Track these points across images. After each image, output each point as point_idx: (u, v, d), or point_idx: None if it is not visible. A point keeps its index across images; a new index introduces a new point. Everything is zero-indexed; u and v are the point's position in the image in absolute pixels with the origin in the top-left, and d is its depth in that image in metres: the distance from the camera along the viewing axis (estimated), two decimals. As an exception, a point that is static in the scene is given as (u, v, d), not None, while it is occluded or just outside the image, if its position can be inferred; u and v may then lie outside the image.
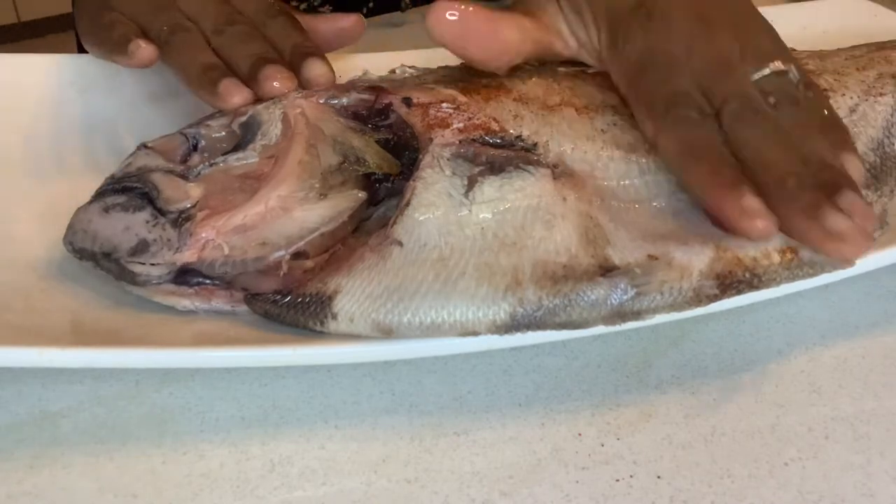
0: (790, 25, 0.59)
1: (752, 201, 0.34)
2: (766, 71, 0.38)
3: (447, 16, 0.40)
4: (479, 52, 0.41)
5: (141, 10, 0.47)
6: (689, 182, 0.37)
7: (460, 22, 0.40)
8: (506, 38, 0.42)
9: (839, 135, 0.38)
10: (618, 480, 0.34)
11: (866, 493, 0.34)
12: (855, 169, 0.37)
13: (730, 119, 0.37)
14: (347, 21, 0.50)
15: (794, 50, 0.51)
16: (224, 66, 0.44)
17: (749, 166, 0.36)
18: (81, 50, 0.66)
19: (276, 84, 0.43)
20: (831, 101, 0.46)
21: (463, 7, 0.40)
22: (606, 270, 0.35)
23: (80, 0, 0.51)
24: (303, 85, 0.44)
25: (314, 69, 0.44)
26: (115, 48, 0.46)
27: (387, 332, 0.35)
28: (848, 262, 0.35)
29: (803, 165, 0.36)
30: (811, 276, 0.37)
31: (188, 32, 0.46)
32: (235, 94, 0.42)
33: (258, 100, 0.43)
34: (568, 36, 0.43)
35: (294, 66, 0.44)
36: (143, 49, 0.44)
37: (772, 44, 0.40)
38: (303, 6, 0.73)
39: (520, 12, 0.43)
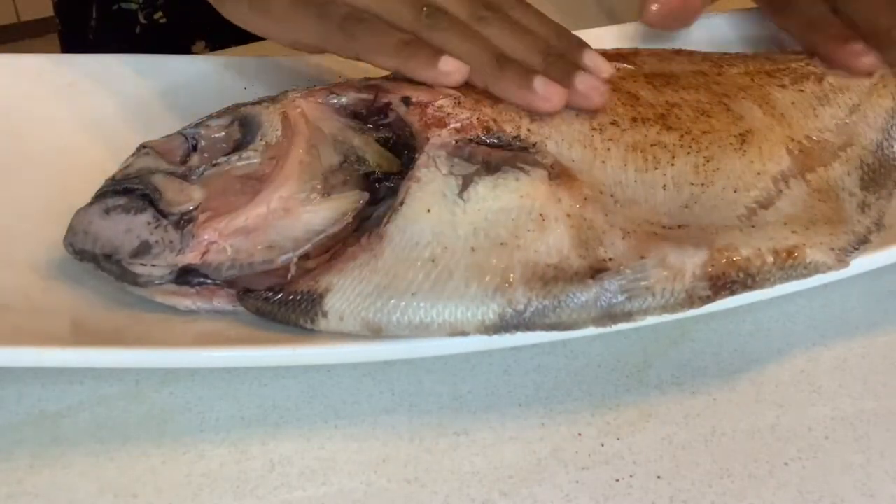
0: (790, 25, 0.59)
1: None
2: None
3: (653, 7, 0.51)
4: (680, 25, 0.53)
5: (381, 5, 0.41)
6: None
7: (662, 9, 0.51)
8: (696, 7, 0.52)
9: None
10: (618, 480, 0.34)
11: (866, 493, 0.34)
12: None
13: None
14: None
15: (794, 51, 0.52)
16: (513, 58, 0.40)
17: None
18: (70, 50, 0.64)
19: (595, 100, 0.40)
20: (832, 101, 0.46)
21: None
22: (597, 272, 0.35)
23: None
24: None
25: (600, 65, 0.42)
26: (413, 58, 0.40)
27: (376, 331, 0.35)
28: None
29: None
30: (805, 276, 0.37)
31: (447, 14, 0.40)
32: (556, 98, 0.39)
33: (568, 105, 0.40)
34: None
35: (574, 60, 0.41)
36: (459, 70, 0.40)
37: None
38: None
39: None
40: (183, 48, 0.72)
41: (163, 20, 0.72)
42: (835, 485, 0.34)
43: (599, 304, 0.35)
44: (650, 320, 0.35)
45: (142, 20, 0.71)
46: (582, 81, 0.40)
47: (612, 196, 0.39)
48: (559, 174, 0.38)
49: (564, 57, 0.41)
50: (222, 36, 0.59)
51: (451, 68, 0.39)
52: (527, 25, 0.42)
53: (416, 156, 0.38)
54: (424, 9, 0.40)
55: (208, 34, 0.53)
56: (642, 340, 0.40)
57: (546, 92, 0.39)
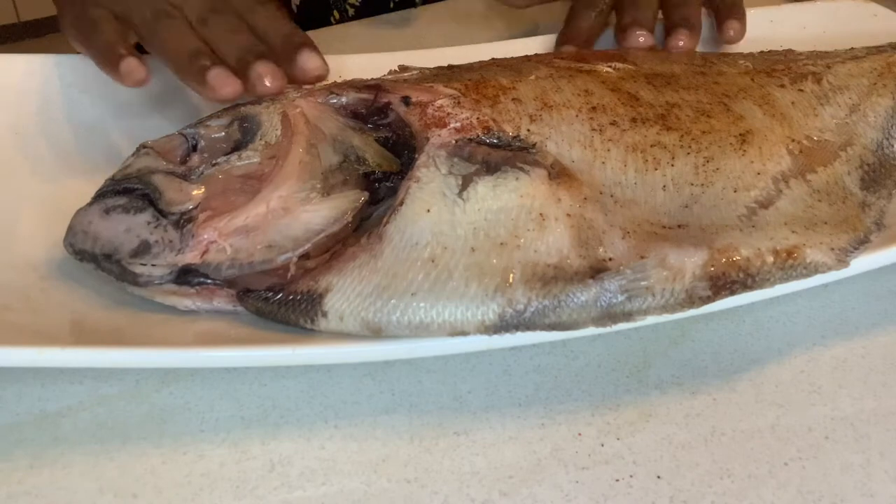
0: (790, 25, 0.59)
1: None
2: None
3: None
4: None
5: (125, 1, 0.47)
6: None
7: None
8: None
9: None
10: (618, 480, 0.34)
11: (866, 493, 0.34)
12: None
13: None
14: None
15: (794, 51, 0.52)
16: (212, 54, 0.44)
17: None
18: None
19: (267, 83, 0.42)
20: (832, 101, 0.46)
21: None
22: (597, 272, 0.35)
23: None
24: (296, 78, 0.44)
25: (309, 61, 0.44)
26: (103, 59, 0.46)
27: (376, 331, 0.35)
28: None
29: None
30: (805, 276, 0.37)
31: (172, 19, 0.46)
32: (226, 86, 0.42)
33: (248, 94, 0.43)
34: None
35: (286, 58, 0.44)
36: (137, 69, 0.44)
37: None
38: None
39: None
40: None
41: None
42: (835, 485, 0.34)
43: (599, 304, 0.35)
44: (650, 320, 0.35)
45: None
46: (253, 71, 0.43)
47: (611, 196, 0.39)
48: (559, 174, 0.38)
49: (265, 52, 0.44)
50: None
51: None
52: (254, 26, 0.46)
53: (416, 156, 0.38)
54: (149, 14, 0.46)
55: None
56: (642, 340, 0.40)
57: (215, 82, 0.42)
